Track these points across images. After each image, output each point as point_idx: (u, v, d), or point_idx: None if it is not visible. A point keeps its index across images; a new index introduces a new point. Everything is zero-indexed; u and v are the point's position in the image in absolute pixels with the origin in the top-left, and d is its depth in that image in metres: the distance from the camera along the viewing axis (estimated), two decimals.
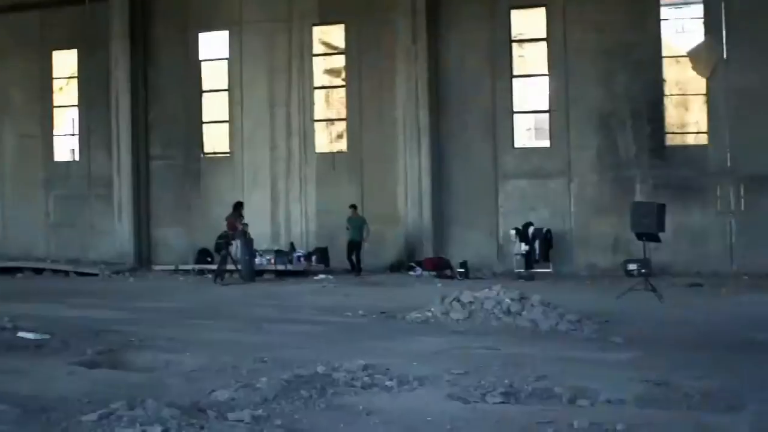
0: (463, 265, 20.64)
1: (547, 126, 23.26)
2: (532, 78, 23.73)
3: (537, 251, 21.05)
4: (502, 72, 22.83)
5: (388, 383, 7.41)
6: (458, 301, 12.16)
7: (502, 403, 6.70)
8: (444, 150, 23.09)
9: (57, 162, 27.65)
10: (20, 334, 10.52)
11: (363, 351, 9.08)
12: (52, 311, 13.74)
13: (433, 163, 22.80)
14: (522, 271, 20.69)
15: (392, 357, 8.72)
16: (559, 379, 7.50)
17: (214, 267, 21.72)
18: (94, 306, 15.04)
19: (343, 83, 24.70)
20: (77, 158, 27.83)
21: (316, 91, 24.98)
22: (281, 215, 24.85)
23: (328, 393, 7.03)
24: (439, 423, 6.02)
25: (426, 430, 5.87)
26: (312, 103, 24.80)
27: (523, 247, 21.03)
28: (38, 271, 24.07)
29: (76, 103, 27.44)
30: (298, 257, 22.66)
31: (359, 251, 21.93)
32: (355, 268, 21.73)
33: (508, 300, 11.84)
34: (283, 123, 24.86)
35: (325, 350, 9.36)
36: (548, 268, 21.03)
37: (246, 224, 20.86)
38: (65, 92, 27.81)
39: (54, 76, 27.29)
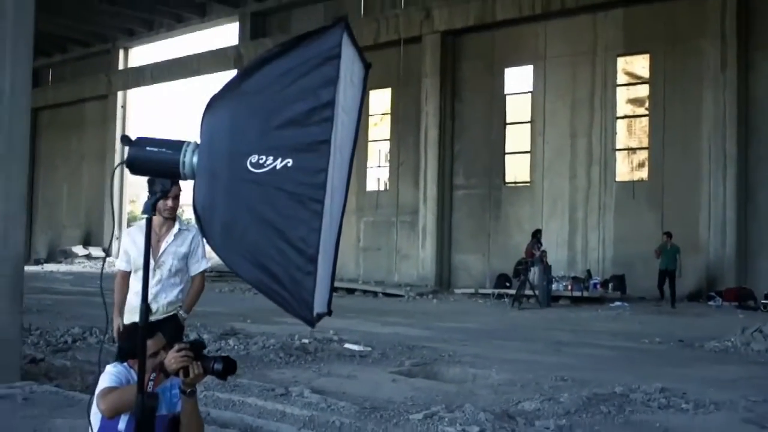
0: None
1: None
2: None
3: None
4: None
5: (684, 406, 7.77)
6: (760, 332, 12.09)
7: None
8: (751, 178, 22.39)
9: (369, 191, 29.98)
10: (347, 345, 11.89)
11: (660, 375, 9.40)
12: (369, 327, 15.12)
13: (739, 191, 22.18)
14: None
15: (689, 382, 9.01)
16: None
17: (512, 292, 22.29)
18: (403, 324, 16.14)
19: (647, 112, 24.71)
20: (385, 188, 30.02)
21: (619, 121, 25.18)
22: (579, 242, 25.25)
23: (626, 410, 7.55)
24: None
25: None
26: (614, 133, 25.01)
27: None
28: (350, 291, 26.07)
29: (388, 137, 29.70)
30: (594, 284, 22.89)
31: (674, 281, 21.11)
32: (667, 299, 20.97)
33: None
34: (583, 152, 25.30)
35: (622, 373, 9.77)
36: None
37: (544, 251, 21.39)
38: (379, 127, 30.16)
39: (370, 113, 29.75)
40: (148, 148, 2.85)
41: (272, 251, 2.67)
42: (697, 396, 8.17)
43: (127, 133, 2.89)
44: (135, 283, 5.61)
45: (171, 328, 5.36)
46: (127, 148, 2.92)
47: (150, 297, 5.13)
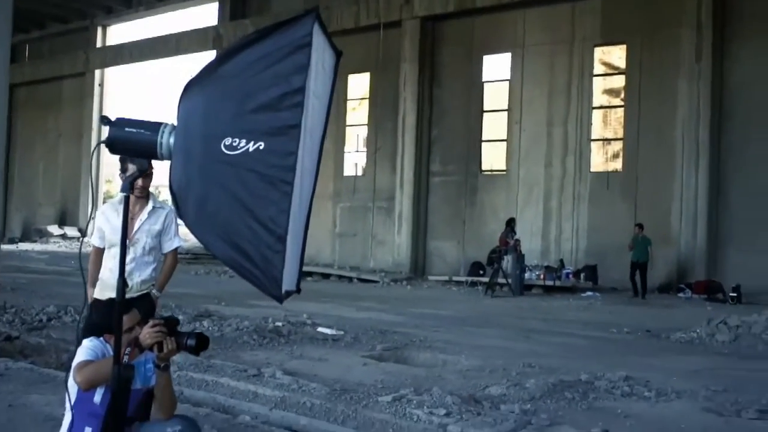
0: (736, 289, 20.07)
1: None
2: None
3: None
4: None
5: (646, 394, 7.94)
6: (725, 323, 12.33)
7: (757, 419, 7.05)
8: (724, 169, 22.65)
9: (346, 176, 30.06)
10: (319, 329, 12.00)
11: (625, 364, 9.57)
12: (342, 312, 15.25)
13: (711, 182, 22.46)
14: None
15: (653, 372, 9.19)
16: None
17: (485, 280, 22.47)
18: (377, 309, 16.29)
19: (622, 103, 24.94)
20: (362, 173, 30.14)
21: (595, 111, 25.39)
22: (553, 232, 25.49)
23: (589, 397, 7.72)
24: (693, 430, 6.54)
25: None
26: (590, 123, 25.23)
27: None
28: (325, 276, 26.15)
29: (365, 122, 29.77)
30: (567, 274, 23.15)
31: (645, 273, 21.30)
32: (638, 291, 21.12)
33: None
34: (559, 141, 25.50)
35: (589, 361, 9.96)
36: None
37: (518, 240, 21.58)
38: (357, 111, 30.23)
39: (348, 97, 29.79)
40: (126, 129, 2.95)
41: (244, 230, 2.78)
42: (659, 385, 8.34)
43: (105, 114, 2.98)
44: (108, 260, 5.66)
45: (144, 306, 5.41)
46: (106, 128, 3.00)
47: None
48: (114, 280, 5.19)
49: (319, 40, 2.85)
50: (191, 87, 2.89)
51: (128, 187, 3.16)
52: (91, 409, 3.80)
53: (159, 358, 3.67)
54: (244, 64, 2.79)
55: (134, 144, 2.97)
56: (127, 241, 5.30)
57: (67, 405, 3.91)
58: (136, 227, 5.62)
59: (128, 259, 5.46)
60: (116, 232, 5.47)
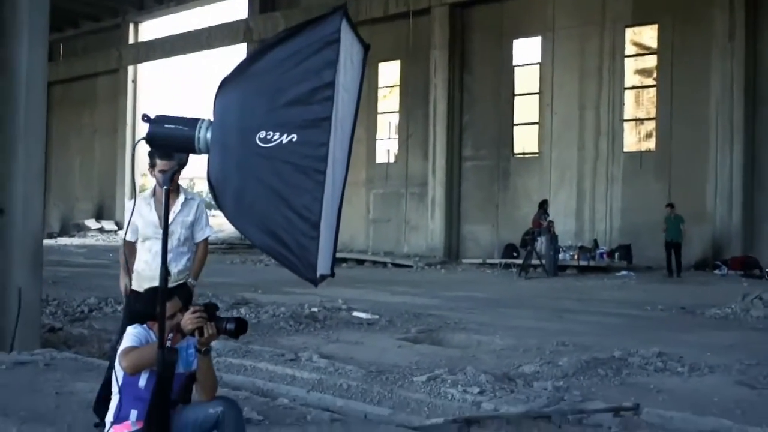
0: None
1: None
2: None
3: None
4: None
5: (680, 369, 8.06)
6: (760, 299, 12.38)
7: None
8: (758, 147, 22.54)
9: (378, 163, 30.24)
10: (355, 313, 12.22)
11: (659, 341, 9.66)
12: (377, 296, 15.46)
13: (746, 160, 22.35)
14: None
15: (686, 347, 9.29)
16: None
17: (519, 261, 22.60)
18: (411, 293, 16.47)
19: (654, 83, 24.84)
20: (395, 160, 30.30)
21: (627, 92, 25.30)
22: (586, 213, 25.48)
23: (622, 373, 7.86)
24: (725, 403, 6.63)
25: (711, 408, 6.49)
26: (622, 104, 25.14)
27: None
28: (360, 262, 26.35)
29: (397, 109, 29.92)
30: (601, 254, 23.18)
31: (679, 252, 20.91)
32: (673, 271, 20.73)
33: None
34: (591, 123, 25.45)
35: (622, 339, 10.05)
36: None
37: (552, 222, 21.63)
38: (388, 99, 30.37)
39: (379, 85, 29.93)
40: (166, 125, 3.13)
41: (279, 218, 2.96)
42: (693, 360, 8.44)
43: (142, 111, 3.15)
44: (143, 253, 5.81)
45: (183, 294, 5.59)
46: (147, 125, 3.18)
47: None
48: (150, 272, 5.42)
49: (347, 36, 3.02)
50: (226, 84, 3.07)
51: (168, 180, 3.34)
52: (137, 393, 4.02)
53: (200, 342, 3.88)
54: (276, 61, 2.97)
55: (173, 139, 3.15)
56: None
57: (115, 389, 4.14)
58: (170, 219, 5.71)
59: None
60: (149, 226, 5.68)
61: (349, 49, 3.10)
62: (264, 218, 2.99)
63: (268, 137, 2.94)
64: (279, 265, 3.13)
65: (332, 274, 3.33)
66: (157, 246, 5.56)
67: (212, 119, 3.10)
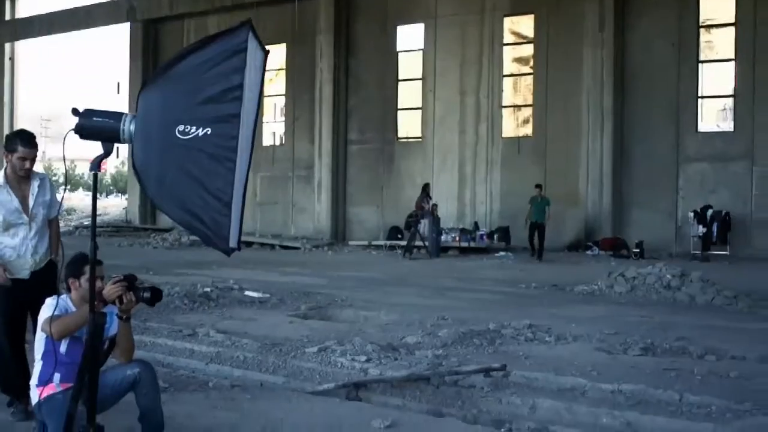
0: (639, 245, 21.41)
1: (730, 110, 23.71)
2: (717, 63, 23.93)
3: (714, 234, 21.58)
4: (689, 57, 23.42)
5: (547, 339, 8.87)
6: (623, 276, 13.45)
7: (640, 355, 8.01)
8: (626, 134, 23.94)
9: (265, 146, 30.52)
10: (246, 292, 12.64)
11: (530, 315, 10.49)
12: (267, 277, 15.88)
13: (615, 146, 23.73)
14: (698, 252, 21.33)
15: (554, 320, 10.14)
16: (696, 341, 8.70)
17: (403, 243, 23.30)
18: (300, 274, 16.95)
19: (531, 71, 25.97)
20: (281, 143, 30.65)
21: (505, 79, 26.39)
22: (467, 196, 26.49)
23: (495, 343, 8.60)
24: (583, 366, 7.41)
25: (571, 370, 7.26)
26: (501, 90, 26.23)
27: (701, 229, 21.58)
28: (248, 244, 26.51)
29: (283, 92, 30.26)
30: (481, 235, 24.19)
31: (543, 234, 21.11)
32: (536, 252, 21.04)
33: (669, 276, 12.99)
34: (472, 109, 26.44)
35: (497, 313, 10.85)
36: (725, 250, 21.54)
37: (435, 205, 22.41)
38: (274, 83, 30.64)
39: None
40: (94, 118, 3.58)
41: (197, 199, 3.46)
42: (559, 331, 9.27)
43: (75, 106, 3.54)
44: (7, 239, 5.71)
45: (52, 272, 5.78)
46: (75, 118, 3.61)
47: (30, 250, 5.71)
48: (19, 259, 5.63)
49: (252, 45, 3.54)
50: (148, 84, 3.55)
51: (96, 166, 3.76)
52: (59, 359, 4.43)
53: (121, 310, 4.32)
54: (193, 65, 3.47)
55: (100, 130, 3.59)
56: (27, 218, 5.69)
57: (38, 356, 4.53)
58: (31, 204, 5.77)
59: (32, 234, 5.75)
60: (12, 213, 5.68)
61: (253, 55, 3.62)
62: (183, 199, 3.48)
63: (187, 130, 3.43)
64: (197, 241, 3.62)
65: (239, 248, 3.84)
66: (23, 231, 5.70)
67: (135, 114, 3.55)
